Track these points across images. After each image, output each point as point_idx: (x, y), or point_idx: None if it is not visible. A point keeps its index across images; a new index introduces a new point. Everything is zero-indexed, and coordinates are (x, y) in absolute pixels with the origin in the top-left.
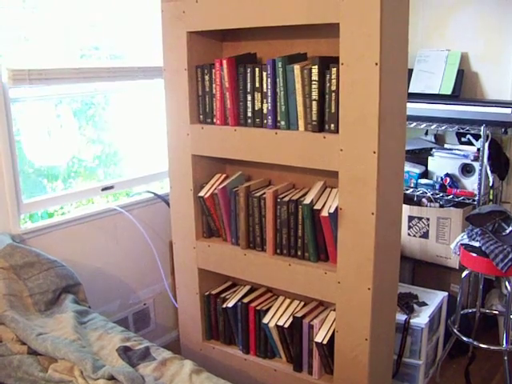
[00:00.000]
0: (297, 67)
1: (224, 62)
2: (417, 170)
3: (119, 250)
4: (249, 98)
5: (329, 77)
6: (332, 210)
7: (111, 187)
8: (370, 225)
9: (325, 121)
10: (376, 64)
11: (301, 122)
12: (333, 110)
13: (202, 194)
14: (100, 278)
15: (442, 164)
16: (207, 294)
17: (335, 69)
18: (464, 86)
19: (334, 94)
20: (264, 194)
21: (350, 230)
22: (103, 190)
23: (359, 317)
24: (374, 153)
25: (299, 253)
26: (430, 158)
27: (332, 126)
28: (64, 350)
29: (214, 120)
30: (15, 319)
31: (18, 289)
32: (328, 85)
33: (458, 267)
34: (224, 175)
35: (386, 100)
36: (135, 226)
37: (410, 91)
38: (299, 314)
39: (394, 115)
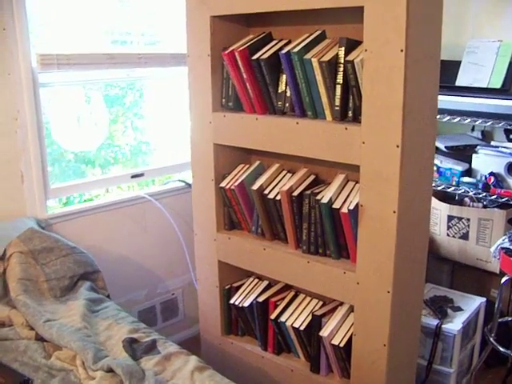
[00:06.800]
0: (314, 60)
1: (236, 53)
2: (460, 167)
3: (147, 239)
4: (271, 88)
5: (352, 64)
6: (352, 207)
7: (141, 174)
8: (391, 223)
9: (347, 111)
10: (401, 51)
11: (327, 112)
12: (356, 100)
13: (223, 184)
14: (127, 265)
15: (486, 162)
16: (227, 287)
17: (360, 55)
18: None
19: (356, 82)
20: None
21: (371, 228)
22: (133, 177)
23: (378, 321)
24: (398, 147)
25: (320, 250)
26: (474, 155)
27: (354, 116)
28: (67, 338)
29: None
30: (26, 304)
31: (34, 273)
32: (351, 72)
33: (498, 272)
34: (247, 166)
35: (412, 90)
36: (164, 215)
37: (456, 84)
38: (317, 314)
39: (422, 107)
